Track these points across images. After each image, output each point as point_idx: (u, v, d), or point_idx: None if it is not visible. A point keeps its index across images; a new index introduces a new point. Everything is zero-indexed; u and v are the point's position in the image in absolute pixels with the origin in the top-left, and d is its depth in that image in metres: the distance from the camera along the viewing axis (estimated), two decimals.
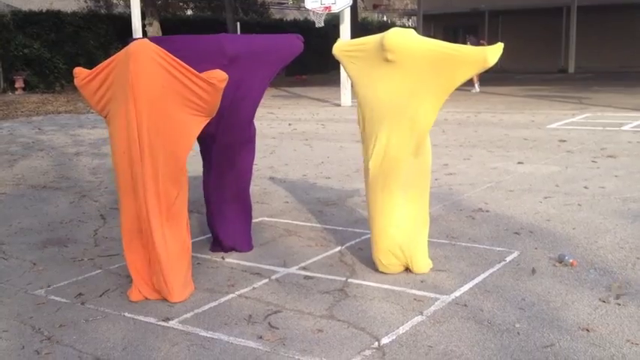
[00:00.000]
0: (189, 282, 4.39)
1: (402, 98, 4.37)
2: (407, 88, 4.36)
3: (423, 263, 4.61)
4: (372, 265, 4.71)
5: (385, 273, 4.56)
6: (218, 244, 5.24)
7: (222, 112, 4.47)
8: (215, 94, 4.15)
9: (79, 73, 4.33)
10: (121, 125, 4.12)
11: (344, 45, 4.86)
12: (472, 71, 4.47)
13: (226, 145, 4.97)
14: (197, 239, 5.54)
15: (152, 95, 4.05)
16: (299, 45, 5.12)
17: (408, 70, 4.37)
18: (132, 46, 4.09)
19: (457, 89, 4.52)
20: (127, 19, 22.17)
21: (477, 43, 21.78)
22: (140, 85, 4.02)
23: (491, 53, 4.34)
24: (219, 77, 4.12)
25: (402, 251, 4.51)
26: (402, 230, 4.51)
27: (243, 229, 5.26)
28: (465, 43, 22.80)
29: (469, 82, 21.59)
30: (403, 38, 4.41)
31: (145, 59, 4.02)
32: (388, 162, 4.45)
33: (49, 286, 4.58)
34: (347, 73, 4.76)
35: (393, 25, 45.93)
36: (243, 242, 5.23)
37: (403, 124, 4.38)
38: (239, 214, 5.22)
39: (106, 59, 4.35)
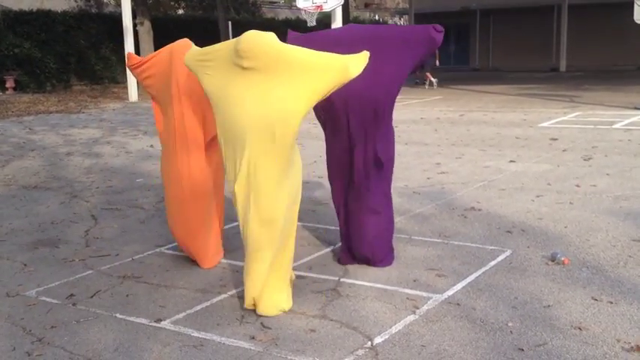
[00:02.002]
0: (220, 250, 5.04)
1: (267, 111, 3.79)
2: (271, 99, 3.79)
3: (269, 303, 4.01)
4: (364, 264, 4.71)
5: (367, 275, 4.56)
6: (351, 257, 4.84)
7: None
8: None
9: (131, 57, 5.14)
10: (170, 114, 4.79)
11: (196, 53, 4.18)
12: (333, 81, 3.83)
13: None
14: None
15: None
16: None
17: (269, 78, 3.79)
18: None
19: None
20: (117, 19, 22.08)
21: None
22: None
23: (354, 63, 3.84)
24: None
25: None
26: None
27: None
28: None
29: (424, 79, 22.04)
30: (260, 42, 3.79)
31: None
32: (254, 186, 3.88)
33: (39, 287, 4.56)
34: (203, 87, 4.09)
35: (384, 24, 45.98)
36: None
37: (268, 143, 3.81)
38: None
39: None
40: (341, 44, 4.32)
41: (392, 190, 4.65)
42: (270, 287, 3.99)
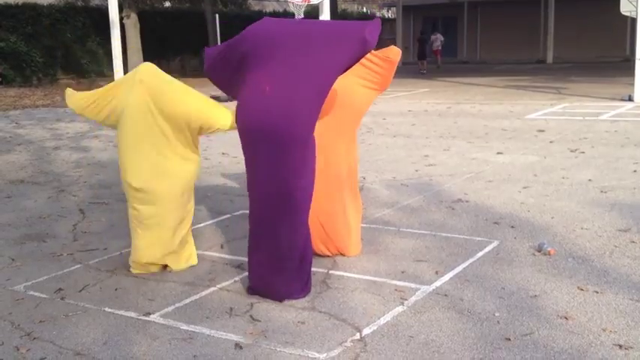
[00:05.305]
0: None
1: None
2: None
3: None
4: (353, 256, 4.73)
5: (355, 267, 4.57)
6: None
7: None
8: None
9: None
10: None
11: (80, 100, 4.71)
12: (201, 131, 4.47)
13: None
14: None
15: None
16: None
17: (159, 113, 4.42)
18: None
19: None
20: (104, 11, 21.88)
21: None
22: None
23: (224, 118, 4.35)
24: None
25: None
26: None
27: None
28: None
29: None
30: (156, 74, 4.50)
31: None
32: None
33: (27, 282, 4.55)
34: (106, 124, 4.73)
35: (373, 16, 45.91)
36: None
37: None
38: None
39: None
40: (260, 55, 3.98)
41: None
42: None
